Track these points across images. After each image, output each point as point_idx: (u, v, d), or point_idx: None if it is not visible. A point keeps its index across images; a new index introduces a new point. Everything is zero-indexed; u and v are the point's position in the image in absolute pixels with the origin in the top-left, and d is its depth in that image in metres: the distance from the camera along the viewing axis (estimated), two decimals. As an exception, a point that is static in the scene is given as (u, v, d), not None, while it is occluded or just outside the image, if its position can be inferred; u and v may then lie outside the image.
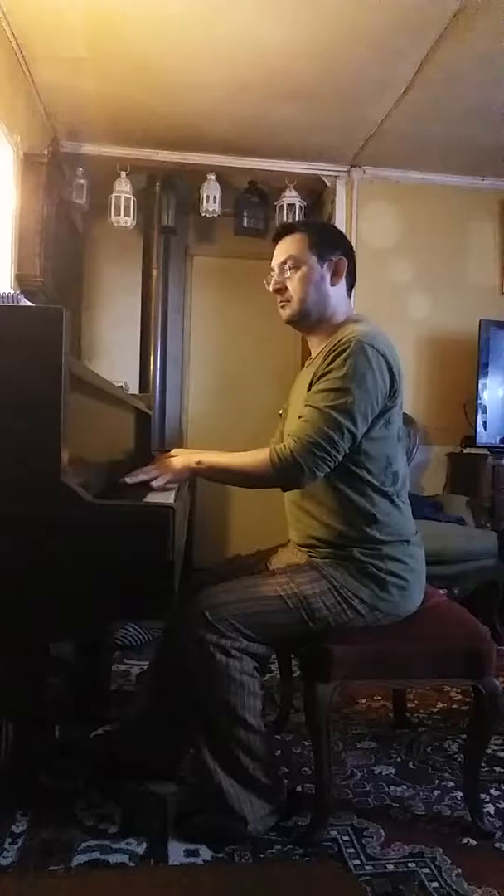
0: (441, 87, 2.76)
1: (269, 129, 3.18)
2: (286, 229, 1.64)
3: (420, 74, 2.67)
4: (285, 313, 1.62)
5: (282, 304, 1.62)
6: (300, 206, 3.55)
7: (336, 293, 1.61)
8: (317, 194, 3.84)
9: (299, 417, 1.47)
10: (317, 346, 1.64)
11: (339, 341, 1.47)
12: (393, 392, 1.49)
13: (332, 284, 1.59)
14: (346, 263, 1.61)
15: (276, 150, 3.41)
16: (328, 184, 3.65)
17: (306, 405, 1.47)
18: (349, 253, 1.63)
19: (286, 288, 1.60)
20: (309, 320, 1.61)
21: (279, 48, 2.52)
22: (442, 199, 3.67)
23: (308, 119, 3.07)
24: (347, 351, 1.43)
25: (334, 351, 1.46)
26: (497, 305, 3.64)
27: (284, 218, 3.51)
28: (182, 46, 2.54)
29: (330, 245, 1.60)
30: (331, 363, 1.45)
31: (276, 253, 1.63)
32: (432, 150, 3.37)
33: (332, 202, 3.64)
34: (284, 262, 1.59)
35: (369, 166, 3.59)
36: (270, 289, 1.63)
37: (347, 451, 1.44)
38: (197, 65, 2.66)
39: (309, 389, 1.51)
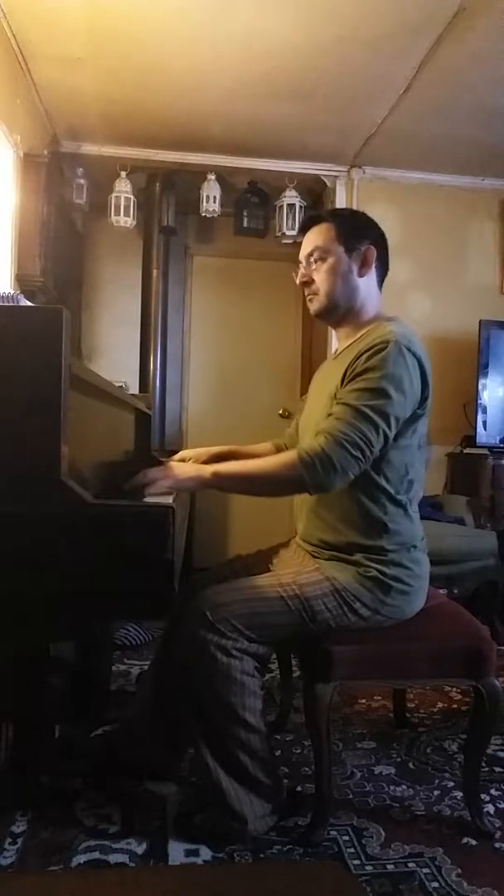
0: (441, 87, 2.76)
1: (269, 129, 3.18)
2: (313, 219, 1.59)
3: (420, 74, 2.67)
4: (313, 307, 1.59)
5: (309, 297, 1.58)
6: (300, 206, 3.55)
7: (366, 284, 1.56)
8: (317, 194, 3.84)
9: (329, 415, 1.40)
10: (344, 339, 1.60)
11: (374, 339, 1.42)
12: (424, 399, 1.46)
13: (361, 276, 1.54)
14: (376, 252, 1.55)
15: (276, 150, 3.41)
16: (328, 184, 3.65)
17: (338, 403, 1.40)
18: (380, 241, 1.56)
19: (313, 280, 1.55)
20: (337, 313, 1.57)
21: (279, 48, 2.52)
22: (442, 199, 3.67)
23: (308, 119, 3.07)
24: (385, 351, 1.38)
25: (371, 349, 1.40)
26: (497, 305, 3.64)
27: (284, 218, 3.51)
28: (182, 46, 2.54)
29: (358, 234, 1.54)
30: (367, 361, 1.39)
31: (303, 244, 1.58)
32: (432, 150, 3.37)
33: (332, 202, 3.63)
34: (311, 254, 1.55)
35: (369, 166, 3.59)
36: (297, 282, 1.59)
37: (378, 454, 1.39)
38: (197, 65, 2.66)
39: (341, 385, 1.45)
